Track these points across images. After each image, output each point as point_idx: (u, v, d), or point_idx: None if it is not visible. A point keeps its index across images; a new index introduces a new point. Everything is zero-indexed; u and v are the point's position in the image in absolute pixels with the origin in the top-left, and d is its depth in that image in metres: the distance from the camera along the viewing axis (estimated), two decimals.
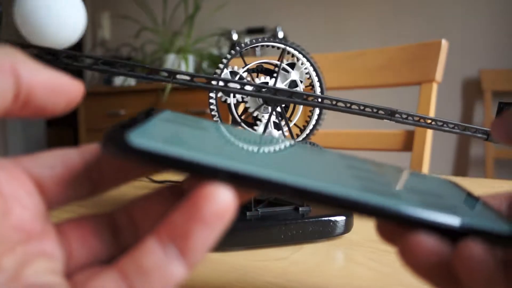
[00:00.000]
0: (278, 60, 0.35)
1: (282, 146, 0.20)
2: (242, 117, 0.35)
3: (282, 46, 0.35)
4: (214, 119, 0.33)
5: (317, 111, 0.36)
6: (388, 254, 0.29)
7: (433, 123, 0.30)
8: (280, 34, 1.87)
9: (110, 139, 0.13)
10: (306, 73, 0.35)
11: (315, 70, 0.35)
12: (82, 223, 0.16)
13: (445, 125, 0.30)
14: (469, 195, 0.17)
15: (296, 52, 0.35)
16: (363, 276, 0.26)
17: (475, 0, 1.61)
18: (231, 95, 0.34)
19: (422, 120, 0.30)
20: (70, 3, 0.25)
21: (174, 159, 0.13)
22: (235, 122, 0.35)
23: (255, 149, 0.17)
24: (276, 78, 0.34)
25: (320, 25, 1.91)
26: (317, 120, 0.35)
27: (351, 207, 0.13)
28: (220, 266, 0.27)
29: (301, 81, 0.35)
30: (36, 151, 0.16)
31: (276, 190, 0.13)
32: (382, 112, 0.30)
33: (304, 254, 0.30)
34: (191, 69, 1.88)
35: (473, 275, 0.13)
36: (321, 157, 0.19)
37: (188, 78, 0.28)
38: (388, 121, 0.30)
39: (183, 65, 1.84)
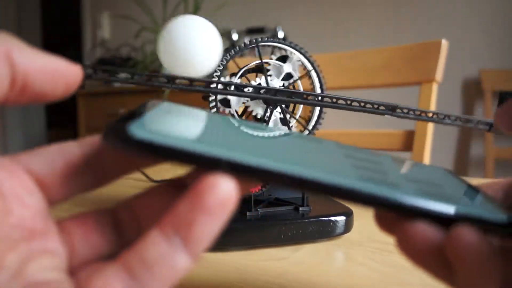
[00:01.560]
0: (260, 59, 0.35)
1: (281, 136, 0.20)
2: (243, 118, 0.35)
3: (282, 46, 0.35)
4: None
5: (317, 110, 0.35)
6: (388, 254, 0.29)
7: (434, 116, 0.30)
8: (280, 34, 1.87)
9: (111, 131, 0.13)
10: (298, 61, 0.35)
11: (315, 70, 0.35)
12: (84, 219, 0.16)
13: (446, 118, 0.30)
14: (467, 185, 0.18)
15: (296, 52, 0.35)
16: (363, 276, 0.26)
17: (475, 0, 1.61)
18: (232, 104, 0.34)
19: (423, 114, 0.30)
20: (209, 36, 0.27)
21: (175, 150, 0.13)
22: None
23: (254, 139, 0.17)
24: (265, 76, 0.34)
25: (320, 25, 1.90)
26: (317, 120, 0.35)
27: (348, 196, 0.13)
28: (220, 266, 0.27)
29: (294, 72, 0.35)
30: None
31: (275, 180, 0.13)
32: (383, 108, 0.30)
33: (304, 254, 0.30)
34: None
35: (464, 261, 0.13)
36: (319, 146, 0.19)
37: (187, 82, 0.28)
38: (389, 120, 0.30)
39: None
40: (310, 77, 0.35)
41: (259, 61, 0.34)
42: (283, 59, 0.35)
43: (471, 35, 1.62)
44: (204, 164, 0.13)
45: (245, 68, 0.34)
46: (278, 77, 0.35)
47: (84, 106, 2.09)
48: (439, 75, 0.76)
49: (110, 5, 2.54)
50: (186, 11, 1.91)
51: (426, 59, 0.77)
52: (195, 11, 1.88)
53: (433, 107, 0.77)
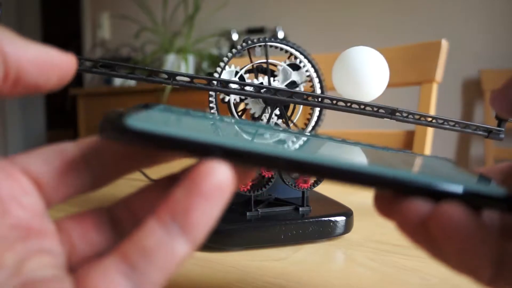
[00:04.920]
0: (266, 59, 0.35)
1: (275, 130, 0.20)
2: (243, 117, 0.35)
3: (282, 46, 0.35)
4: None
5: (317, 110, 0.35)
6: (388, 254, 0.29)
7: (433, 121, 0.30)
8: (280, 34, 1.87)
9: (109, 123, 0.13)
10: (307, 76, 0.35)
11: (315, 70, 0.35)
12: (82, 218, 0.16)
13: (445, 123, 0.30)
14: (466, 170, 0.18)
15: (296, 53, 0.35)
16: (363, 276, 0.26)
17: (475, 0, 1.61)
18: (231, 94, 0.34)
19: (422, 119, 0.30)
20: (378, 64, 0.31)
21: (171, 138, 0.13)
22: None
23: (249, 131, 0.18)
24: (268, 76, 0.34)
25: (320, 25, 1.90)
26: (317, 121, 0.35)
27: (343, 176, 0.13)
28: (220, 266, 0.27)
29: (301, 83, 0.35)
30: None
31: (269, 163, 0.13)
32: (383, 111, 0.30)
33: (304, 254, 0.30)
34: (191, 69, 1.88)
35: (447, 236, 0.13)
36: (315, 139, 0.19)
37: (187, 79, 0.28)
38: (388, 120, 0.30)
39: (183, 65, 1.83)
40: (310, 78, 0.35)
41: (265, 60, 0.34)
42: (293, 67, 0.35)
43: (471, 35, 1.62)
44: (199, 151, 0.13)
45: (246, 67, 0.34)
46: (283, 82, 0.35)
47: (84, 107, 2.09)
48: (439, 75, 0.76)
49: (110, 5, 2.54)
50: (186, 12, 1.91)
51: (426, 59, 0.77)
52: (195, 11, 1.88)
53: (433, 107, 0.77)
